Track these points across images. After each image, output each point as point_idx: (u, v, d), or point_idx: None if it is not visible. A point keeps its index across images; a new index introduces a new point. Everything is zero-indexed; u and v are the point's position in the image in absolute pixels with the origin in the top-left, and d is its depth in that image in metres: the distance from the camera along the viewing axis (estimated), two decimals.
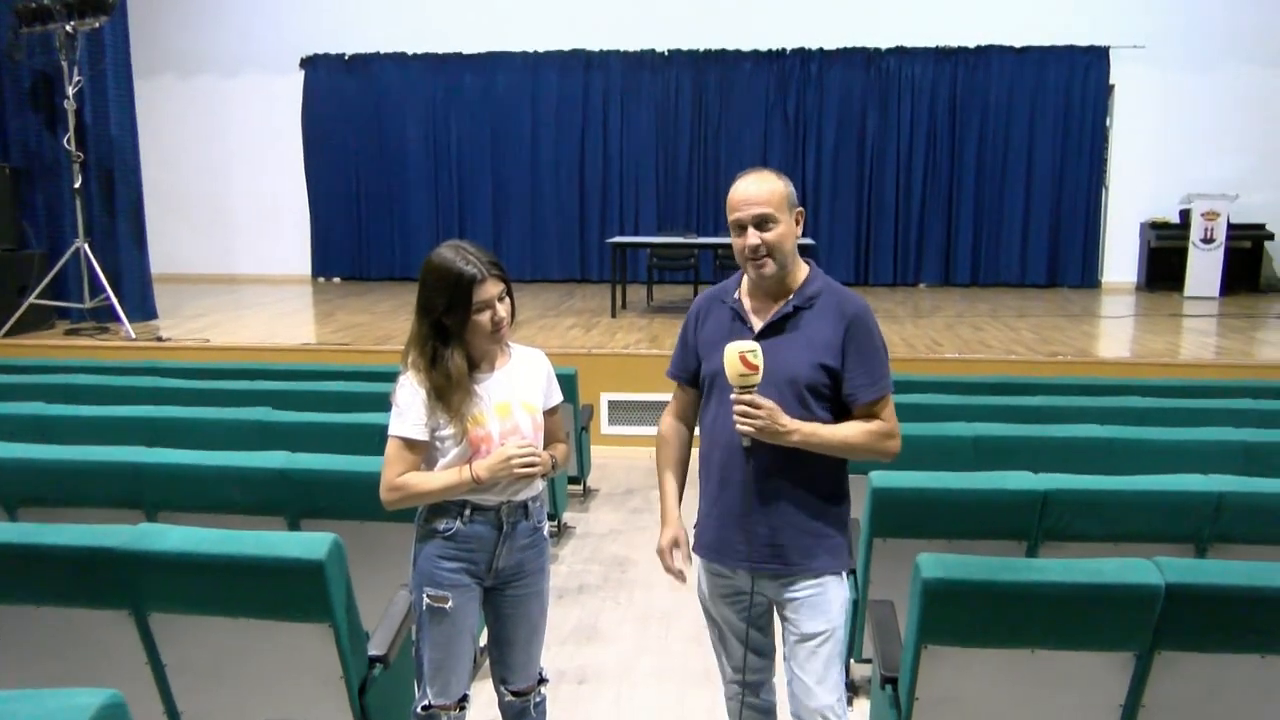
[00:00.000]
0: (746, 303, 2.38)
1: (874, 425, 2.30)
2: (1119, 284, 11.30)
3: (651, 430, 6.74)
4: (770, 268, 2.29)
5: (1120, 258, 11.36)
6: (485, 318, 2.42)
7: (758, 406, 2.21)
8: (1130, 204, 11.24)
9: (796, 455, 2.28)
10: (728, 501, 2.40)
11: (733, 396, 2.23)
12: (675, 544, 2.48)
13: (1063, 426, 3.85)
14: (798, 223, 2.32)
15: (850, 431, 2.29)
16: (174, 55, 11.85)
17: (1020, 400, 4.56)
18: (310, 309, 9.91)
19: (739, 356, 2.18)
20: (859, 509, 2.98)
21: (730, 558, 2.42)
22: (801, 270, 2.35)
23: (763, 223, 2.27)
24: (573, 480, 5.65)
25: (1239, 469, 3.43)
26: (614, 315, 8.85)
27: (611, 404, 6.81)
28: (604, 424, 6.81)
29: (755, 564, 2.38)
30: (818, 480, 2.34)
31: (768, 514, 2.35)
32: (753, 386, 2.21)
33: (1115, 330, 8.35)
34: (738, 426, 2.24)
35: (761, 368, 2.20)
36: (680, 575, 2.48)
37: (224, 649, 2.39)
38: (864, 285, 11.26)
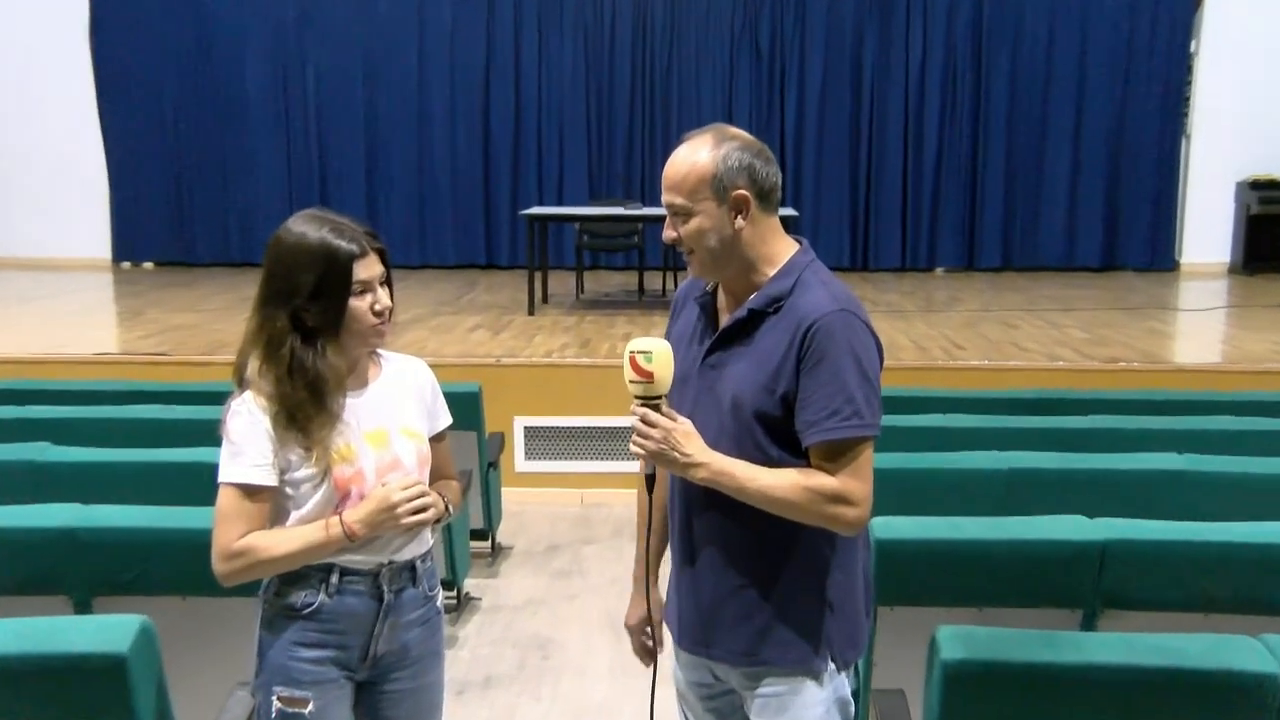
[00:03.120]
0: (720, 299, 2.40)
1: (816, 481, 2.18)
2: (1204, 265, 11.51)
3: (583, 467, 6.73)
4: (696, 267, 2.33)
5: (1206, 230, 11.57)
6: (366, 303, 2.39)
7: (652, 424, 2.21)
8: (1221, 158, 11.38)
9: (732, 502, 2.25)
10: (674, 559, 2.47)
11: (630, 408, 2.25)
12: (644, 620, 2.55)
13: (1126, 456, 3.90)
14: (739, 209, 2.26)
15: (778, 482, 2.20)
16: None
17: (1068, 421, 4.62)
18: (110, 305, 9.75)
19: (629, 358, 2.22)
20: None
21: (678, 635, 2.46)
22: (777, 261, 2.32)
23: (675, 214, 2.29)
24: (477, 535, 5.61)
25: None
26: (531, 312, 8.82)
27: (529, 431, 6.77)
28: (519, 458, 6.77)
29: (694, 646, 2.40)
30: (776, 536, 2.27)
31: (704, 581, 2.35)
32: (656, 398, 2.23)
33: (1198, 328, 8.51)
34: (630, 446, 2.26)
35: (661, 376, 2.21)
36: (648, 658, 2.57)
37: None
38: (861, 271, 11.37)
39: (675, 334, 2.45)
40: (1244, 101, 11.24)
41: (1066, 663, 2.18)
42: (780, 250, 2.33)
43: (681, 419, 2.24)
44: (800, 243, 2.36)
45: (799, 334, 2.20)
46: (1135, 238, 11.54)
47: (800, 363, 2.20)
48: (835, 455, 2.19)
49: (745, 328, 2.29)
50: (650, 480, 2.34)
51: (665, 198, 2.29)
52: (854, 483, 2.19)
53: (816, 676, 2.32)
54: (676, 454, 2.21)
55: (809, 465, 2.22)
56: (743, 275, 2.31)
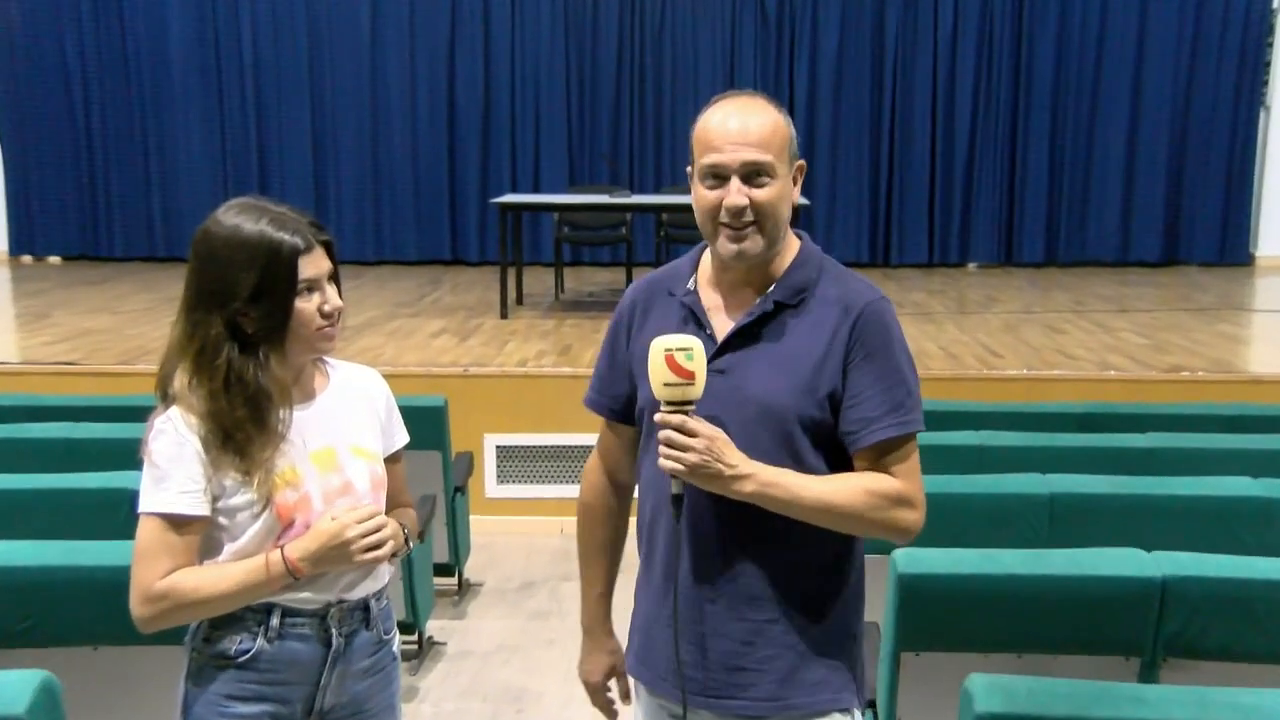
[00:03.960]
0: (706, 296, 2.38)
1: (879, 483, 2.22)
2: None
3: (564, 491, 6.71)
4: (756, 243, 2.27)
5: None
6: (313, 305, 2.38)
7: (691, 433, 2.18)
8: None
9: (766, 522, 2.24)
10: (672, 597, 2.41)
11: (658, 417, 2.21)
12: (609, 672, 2.57)
13: (1191, 480, 3.91)
14: (796, 181, 2.32)
15: (837, 488, 2.22)
16: None
17: (1122, 439, 4.63)
18: (7, 306, 9.73)
19: (664, 357, 2.18)
20: (876, 607, 2.98)
21: (665, 680, 2.40)
22: (790, 249, 2.35)
23: (754, 174, 2.25)
24: (442, 570, 5.60)
25: None
26: (504, 315, 8.85)
27: (502, 452, 6.79)
28: (490, 482, 6.80)
29: (706, 699, 2.35)
30: (805, 563, 2.29)
31: (725, 618, 2.32)
32: (689, 404, 2.20)
33: (1278, 331, 8.52)
34: (661, 462, 2.22)
35: (700, 376, 2.19)
36: (613, 716, 2.56)
37: None
38: (882, 266, 11.40)
39: (643, 345, 2.37)
40: None
41: (1120, 719, 2.16)
42: (793, 236, 2.37)
43: (708, 426, 2.21)
44: (801, 236, 2.41)
45: (844, 325, 2.24)
46: (1203, 228, 11.55)
47: (848, 356, 2.23)
48: (891, 453, 2.24)
49: (767, 322, 2.30)
50: (679, 502, 2.26)
51: (744, 155, 2.24)
52: (913, 483, 2.26)
53: (850, 717, 2.35)
54: (721, 465, 2.18)
55: (848, 471, 2.27)
56: (764, 264, 2.32)
